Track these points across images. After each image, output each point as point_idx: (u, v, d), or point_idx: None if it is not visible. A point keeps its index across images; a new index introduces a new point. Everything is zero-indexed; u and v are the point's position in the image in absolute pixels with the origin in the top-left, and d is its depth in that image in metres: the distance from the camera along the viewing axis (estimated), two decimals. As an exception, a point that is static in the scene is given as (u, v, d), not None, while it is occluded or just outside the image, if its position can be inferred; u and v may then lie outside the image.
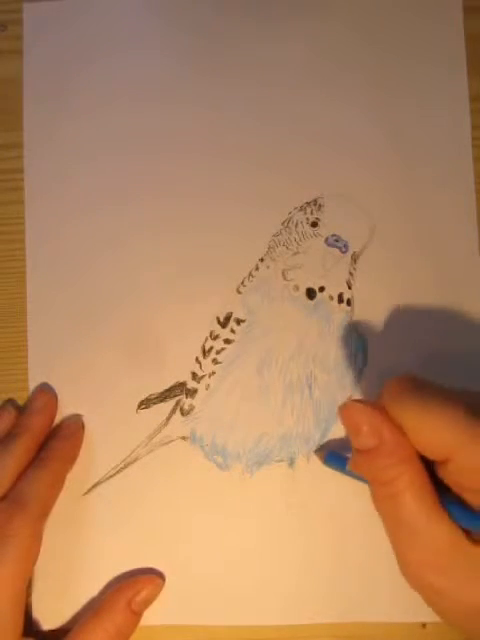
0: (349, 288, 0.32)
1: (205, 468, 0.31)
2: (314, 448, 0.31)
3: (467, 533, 0.24)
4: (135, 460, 0.32)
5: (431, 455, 0.24)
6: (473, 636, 0.25)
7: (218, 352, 0.32)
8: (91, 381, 0.32)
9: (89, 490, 0.32)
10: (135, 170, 0.34)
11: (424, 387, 0.25)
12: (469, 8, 0.34)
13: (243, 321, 0.32)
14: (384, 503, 0.25)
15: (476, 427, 0.23)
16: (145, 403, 0.32)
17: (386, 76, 0.33)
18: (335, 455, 0.30)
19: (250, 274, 0.32)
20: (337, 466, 0.29)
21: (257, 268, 0.32)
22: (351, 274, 0.32)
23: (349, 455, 0.27)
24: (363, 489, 0.30)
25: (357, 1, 0.34)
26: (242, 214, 0.33)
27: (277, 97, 0.34)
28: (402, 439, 0.25)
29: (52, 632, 0.31)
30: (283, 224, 0.32)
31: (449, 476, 0.24)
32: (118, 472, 0.32)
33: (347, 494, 0.31)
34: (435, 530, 0.24)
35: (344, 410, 0.26)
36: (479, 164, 0.33)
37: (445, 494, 0.25)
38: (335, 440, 0.31)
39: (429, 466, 0.25)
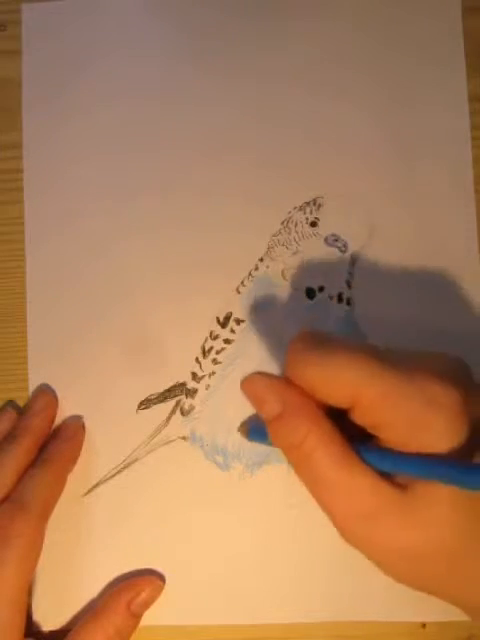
0: (349, 287, 0.32)
1: (205, 468, 0.31)
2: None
3: (389, 478, 0.24)
4: (135, 460, 0.32)
5: (339, 402, 0.24)
6: (414, 582, 0.25)
7: (218, 352, 0.32)
8: (91, 381, 0.32)
9: (89, 491, 0.32)
10: (134, 170, 0.34)
11: (323, 340, 0.25)
12: (468, 8, 0.33)
13: (243, 321, 0.32)
14: (300, 468, 0.25)
15: (375, 364, 0.23)
16: (145, 403, 0.32)
17: (385, 76, 0.33)
18: (258, 429, 0.29)
19: (250, 274, 0.32)
20: (261, 440, 0.29)
21: (257, 268, 0.32)
22: (350, 274, 0.32)
23: None
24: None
25: (356, 1, 0.34)
26: (241, 214, 0.33)
27: (276, 97, 0.34)
28: (304, 399, 0.25)
29: (52, 633, 0.31)
30: (282, 224, 0.32)
31: (362, 419, 0.24)
32: (118, 473, 0.32)
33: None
34: (353, 481, 0.23)
35: (245, 383, 0.26)
36: (479, 164, 0.33)
37: (360, 446, 0.24)
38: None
39: (340, 423, 0.25)
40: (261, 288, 0.32)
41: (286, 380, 0.25)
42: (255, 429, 0.29)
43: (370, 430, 0.24)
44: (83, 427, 0.32)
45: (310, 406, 0.25)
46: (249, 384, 0.26)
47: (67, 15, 0.35)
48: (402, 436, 0.23)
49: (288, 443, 0.25)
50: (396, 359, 0.24)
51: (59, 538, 0.31)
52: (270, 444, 0.27)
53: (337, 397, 0.24)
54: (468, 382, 0.24)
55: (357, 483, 0.23)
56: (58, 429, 0.32)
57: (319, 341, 0.25)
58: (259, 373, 0.26)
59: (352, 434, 0.24)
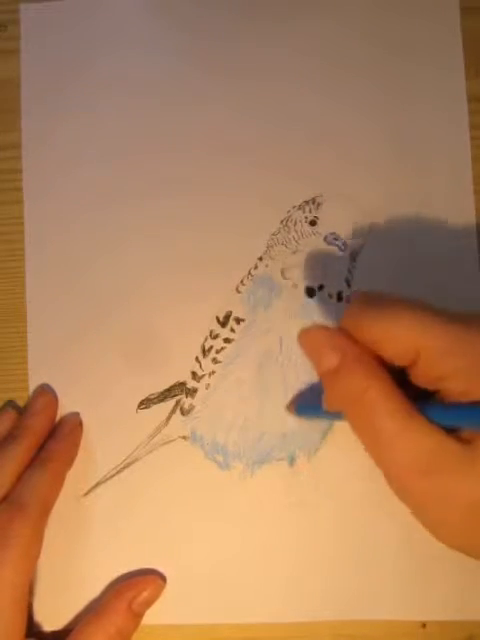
0: (348, 286, 0.32)
1: (205, 467, 0.31)
2: (314, 447, 0.31)
3: (452, 433, 0.23)
4: (135, 460, 0.32)
5: (400, 358, 0.24)
6: (463, 545, 0.24)
7: (218, 351, 0.32)
8: (91, 381, 0.32)
9: (89, 491, 0.32)
10: (134, 170, 0.34)
11: (380, 298, 0.25)
12: (466, 8, 0.34)
13: (243, 320, 0.32)
14: (359, 422, 0.25)
15: (434, 316, 0.23)
16: (145, 403, 0.32)
17: (384, 76, 0.33)
18: (304, 404, 0.29)
19: (249, 273, 0.32)
20: (310, 413, 0.29)
21: (256, 267, 0.32)
22: (350, 272, 0.32)
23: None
24: (364, 487, 0.30)
25: (355, 1, 0.34)
26: (241, 213, 0.33)
27: (276, 96, 0.34)
28: (364, 352, 0.24)
29: (53, 633, 0.31)
30: (282, 223, 0.32)
31: (422, 375, 0.24)
32: (118, 472, 0.32)
33: (347, 492, 0.31)
34: (414, 435, 0.23)
35: (302, 335, 0.26)
36: (478, 164, 0.33)
37: (421, 403, 0.24)
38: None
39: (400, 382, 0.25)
40: (261, 287, 0.32)
41: (345, 332, 0.25)
42: (302, 405, 0.30)
43: (431, 385, 0.24)
44: (80, 424, 0.32)
45: (369, 359, 0.24)
46: (306, 336, 0.26)
47: (66, 15, 0.35)
48: (465, 385, 0.23)
49: (347, 396, 0.24)
50: (451, 313, 0.24)
51: (59, 538, 0.31)
52: (321, 416, 0.27)
53: (399, 350, 0.24)
54: None
55: (419, 437, 0.23)
56: (55, 427, 0.32)
57: (378, 297, 0.25)
58: (317, 325, 0.26)
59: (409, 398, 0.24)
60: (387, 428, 0.23)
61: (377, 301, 0.25)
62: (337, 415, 0.25)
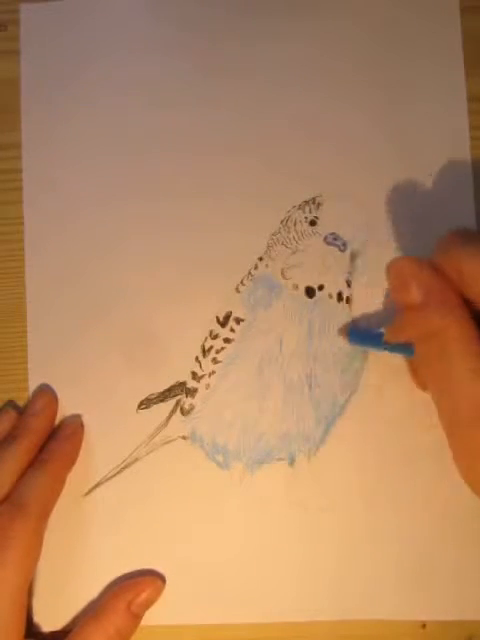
0: (348, 286, 0.32)
1: (205, 467, 0.31)
2: (314, 447, 0.31)
3: None
4: (135, 460, 0.32)
5: None
6: None
7: (218, 351, 0.32)
8: (91, 381, 0.32)
9: (89, 491, 0.32)
10: (133, 170, 0.34)
11: (477, 234, 0.26)
12: (466, 8, 0.34)
13: (242, 320, 0.32)
14: (431, 357, 0.25)
15: None
16: (145, 403, 0.32)
17: (384, 76, 0.33)
18: (358, 331, 0.30)
19: (249, 273, 0.32)
20: (363, 341, 0.29)
21: (256, 267, 0.32)
22: (350, 272, 0.32)
23: (378, 330, 0.26)
24: (364, 487, 0.30)
25: (356, 2, 0.34)
26: (241, 213, 0.33)
27: (275, 96, 0.34)
28: (450, 290, 0.25)
29: (53, 634, 0.31)
30: (282, 223, 0.33)
31: None
32: (118, 472, 0.32)
33: (347, 492, 0.31)
34: None
35: (392, 265, 0.26)
36: (479, 164, 0.33)
37: None
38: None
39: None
40: (261, 287, 0.32)
41: (433, 268, 0.25)
42: (355, 331, 0.30)
43: None
44: (82, 426, 0.32)
45: (455, 298, 0.25)
46: (395, 266, 0.26)
47: (66, 15, 0.35)
48: None
49: (424, 331, 0.25)
50: None
51: (59, 538, 0.31)
52: (374, 345, 0.27)
53: None
54: None
55: None
56: (57, 429, 0.32)
57: (470, 234, 0.25)
58: (406, 258, 0.26)
59: None
60: (459, 368, 0.24)
61: (474, 237, 0.25)
62: (393, 348, 0.25)
